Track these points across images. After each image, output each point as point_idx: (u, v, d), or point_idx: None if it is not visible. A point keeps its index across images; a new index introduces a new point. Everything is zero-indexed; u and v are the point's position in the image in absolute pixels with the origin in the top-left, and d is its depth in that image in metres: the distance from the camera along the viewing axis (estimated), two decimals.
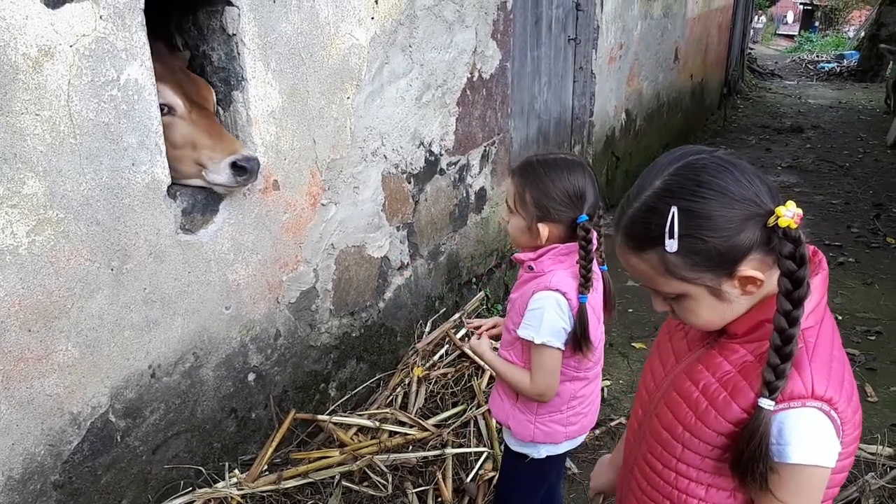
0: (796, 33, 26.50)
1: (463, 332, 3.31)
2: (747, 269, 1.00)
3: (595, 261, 1.65)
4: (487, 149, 3.64)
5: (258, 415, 2.47)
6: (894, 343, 3.76)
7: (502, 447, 1.91)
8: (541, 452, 1.81)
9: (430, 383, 3.03)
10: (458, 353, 3.20)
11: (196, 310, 2.12)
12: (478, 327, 1.93)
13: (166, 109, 1.93)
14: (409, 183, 3.04)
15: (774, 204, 0.98)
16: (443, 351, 3.23)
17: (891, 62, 10.95)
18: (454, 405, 2.95)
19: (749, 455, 1.00)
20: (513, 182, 1.66)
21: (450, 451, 2.60)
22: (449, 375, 3.08)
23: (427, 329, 3.33)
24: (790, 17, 27.75)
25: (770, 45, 24.36)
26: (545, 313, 1.60)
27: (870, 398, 3.21)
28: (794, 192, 6.40)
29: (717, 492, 1.11)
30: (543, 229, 1.61)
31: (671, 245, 0.99)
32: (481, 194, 3.68)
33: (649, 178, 1.04)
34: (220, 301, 2.20)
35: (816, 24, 27.19)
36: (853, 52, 18.74)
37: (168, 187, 1.94)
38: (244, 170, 1.96)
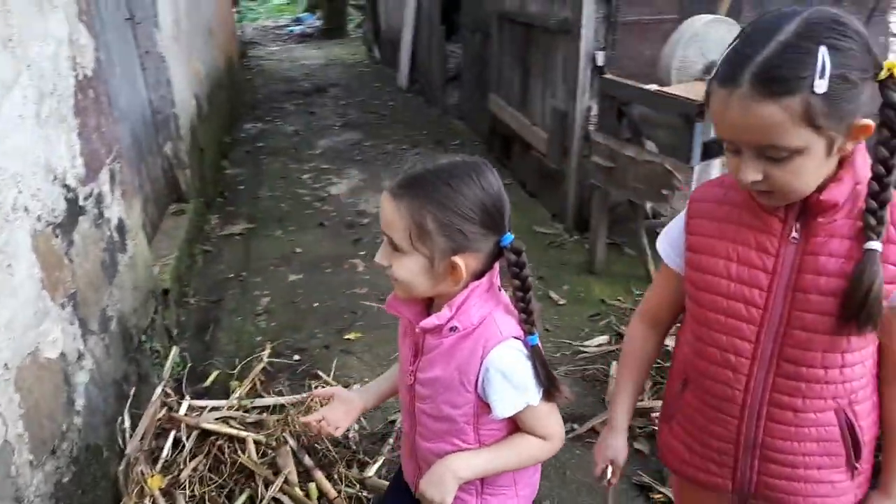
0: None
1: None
2: (862, 119, 0.98)
3: None
4: (112, 167, 2.74)
5: None
6: None
7: None
8: None
9: (184, 488, 2.23)
10: (197, 431, 2.42)
11: None
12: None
13: None
14: (57, 237, 2.09)
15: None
16: (172, 440, 2.41)
17: (360, 20, 12.12)
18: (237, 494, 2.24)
19: (861, 296, 1.02)
20: (399, 208, 1.14)
21: None
22: (202, 466, 2.31)
23: (127, 424, 2.42)
24: None
25: None
26: (520, 370, 1.18)
27: None
28: (366, 146, 6.61)
29: (857, 353, 1.13)
30: (460, 262, 1.14)
31: (820, 86, 0.92)
32: (121, 227, 2.78)
33: (775, 25, 0.96)
34: None
35: None
36: (308, 14, 20.25)
37: None
38: None
